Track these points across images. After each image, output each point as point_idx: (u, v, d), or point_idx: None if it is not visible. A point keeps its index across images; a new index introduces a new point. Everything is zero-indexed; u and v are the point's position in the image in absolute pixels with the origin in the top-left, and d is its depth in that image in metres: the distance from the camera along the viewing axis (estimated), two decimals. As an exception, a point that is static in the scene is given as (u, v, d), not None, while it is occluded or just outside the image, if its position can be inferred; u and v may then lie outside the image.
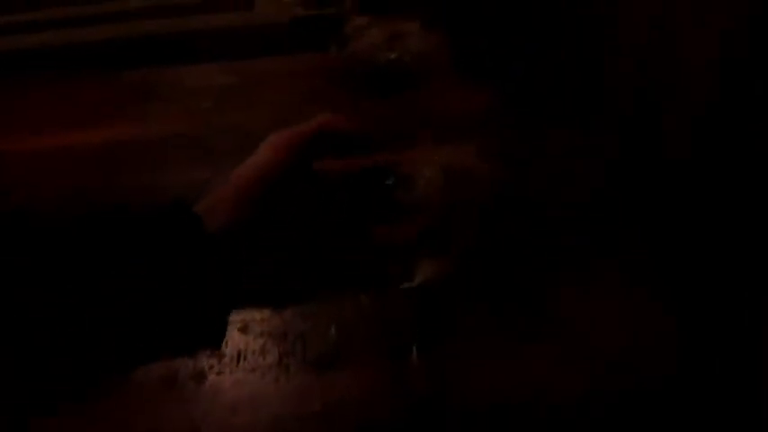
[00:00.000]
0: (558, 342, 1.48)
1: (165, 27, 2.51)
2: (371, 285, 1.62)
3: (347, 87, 2.27)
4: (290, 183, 1.06)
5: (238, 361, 1.53)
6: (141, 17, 2.55)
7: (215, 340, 0.99)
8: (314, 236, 1.14)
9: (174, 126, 2.08)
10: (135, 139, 2.04)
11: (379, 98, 2.23)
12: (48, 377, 0.84)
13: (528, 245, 1.65)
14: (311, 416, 1.42)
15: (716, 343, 1.42)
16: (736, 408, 1.32)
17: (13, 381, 0.81)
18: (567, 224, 1.65)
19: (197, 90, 2.24)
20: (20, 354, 0.79)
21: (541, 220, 1.68)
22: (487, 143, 1.94)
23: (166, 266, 0.89)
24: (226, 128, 2.06)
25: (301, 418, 1.42)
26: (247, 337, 1.57)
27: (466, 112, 2.15)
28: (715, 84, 1.43)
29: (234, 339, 1.58)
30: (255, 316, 1.60)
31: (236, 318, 1.59)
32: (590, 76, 1.87)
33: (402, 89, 2.27)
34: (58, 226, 0.89)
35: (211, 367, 1.49)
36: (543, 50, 2.07)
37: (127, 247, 0.88)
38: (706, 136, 1.46)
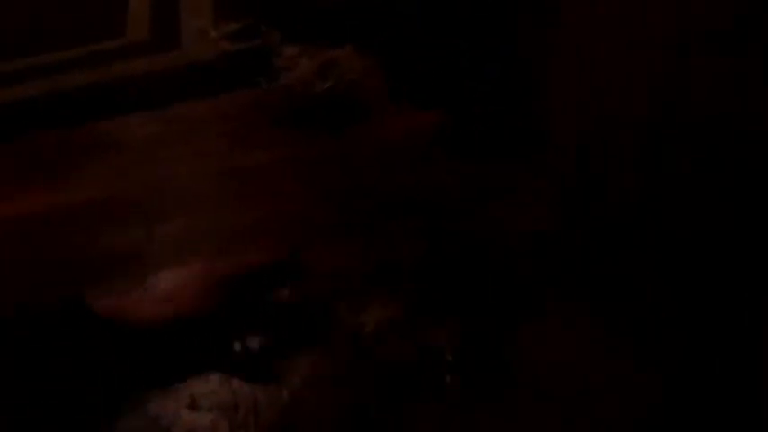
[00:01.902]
0: (519, 397, 1.42)
1: (87, 79, 2.39)
2: (320, 340, 1.56)
3: (282, 124, 2.18)
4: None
5: (188, 442, 1.45)
6: (60, 71, 2.43)
7: None
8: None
9: (100, 188, 1.98)
10: (57, 207, 1.93)
11: (317, 132, 2.15)
12: None
13: (483, 291, 1.59)
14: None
15: (682, 376, 1.39)
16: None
17: None
18: (518, 267, 1.60)
19: (123, 145, 2.14)
20: None
21: (493, 264, 1.63)
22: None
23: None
24: (155, 185, 1.97)
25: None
26: (197, 414, 1.49)
27: (407, 140, 2.08)
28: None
29: (182, 418, 1.49)
30: (203, 389, 1.51)
31: (183, 393, 1.51)
32: (530, 106, 1.82)
33: (340, 120, 2.20)
34: None
35: (161, 455, 1.41)
36: (481, 77, 2.01)
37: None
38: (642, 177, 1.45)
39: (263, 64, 2.36)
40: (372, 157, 2.00)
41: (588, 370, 1.42)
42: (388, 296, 1.62)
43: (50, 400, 0.90)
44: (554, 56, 1.77)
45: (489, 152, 1.93)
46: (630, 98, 1.48)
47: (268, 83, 2.32)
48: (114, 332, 0.87)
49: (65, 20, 2.77)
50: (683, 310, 1.41)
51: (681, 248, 1.42)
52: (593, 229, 1.63)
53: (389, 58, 2.29)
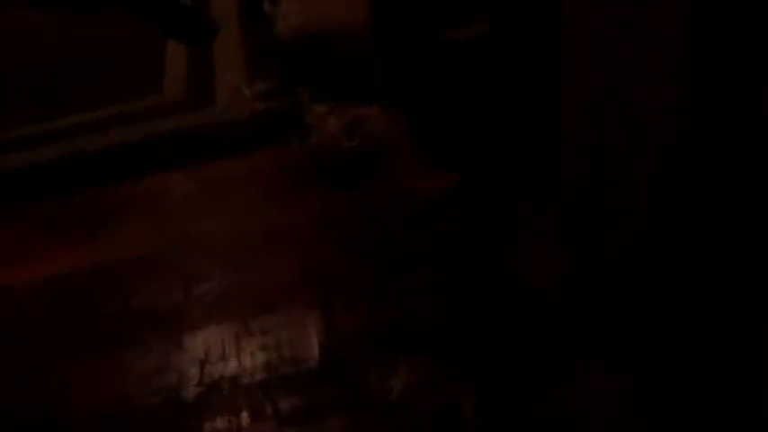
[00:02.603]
0: None
1: (125, 137, 2.50)
2: (349, 404, 1.63)
3: (312, 181, 2.27)
4: None
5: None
6: (97, 129, 2.53)
7: None
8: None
9: (137, 247, 2.08)
10: (93, 266, 2.03)
11: (345, 189, 2.23)
12: None
13: (507, 345, 1.66)
14: None
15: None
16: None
17: None
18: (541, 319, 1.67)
19: (160, 203, 2.24)
20: None
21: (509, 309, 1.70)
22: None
23: None
24: (191, 244, 2.06)
25: None
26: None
27: (428, 195, 2.16)
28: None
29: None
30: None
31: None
32: (543, 163, 1.89)
33: (366, 177, 2.27)
34: None
35: None
36: (497, 133, 2.09)
37: None
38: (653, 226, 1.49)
39: (294, 122, 2.45)
40: (396, 214, 2.08)
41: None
42: (412, 356, 1.68)
43: None
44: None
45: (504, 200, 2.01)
46: (644, 126, 1.49)
47: (299, 141, 2.41)
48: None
49: (103, 78, 2.90)
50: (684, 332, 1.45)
51: (689, 281, 1.44)
52: (602, 265, 1.68)
53: (411, 114, 2.37)
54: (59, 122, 2.64)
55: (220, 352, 1.74)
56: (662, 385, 1.51)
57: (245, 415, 1.60)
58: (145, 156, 2.49)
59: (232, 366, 1.70)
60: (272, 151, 2.44)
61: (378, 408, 1.58)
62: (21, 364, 1.85)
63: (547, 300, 1.75)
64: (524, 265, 1.85)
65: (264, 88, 2.63)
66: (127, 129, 2.57)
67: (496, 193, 2.06)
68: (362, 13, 2.49)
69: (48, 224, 2.25)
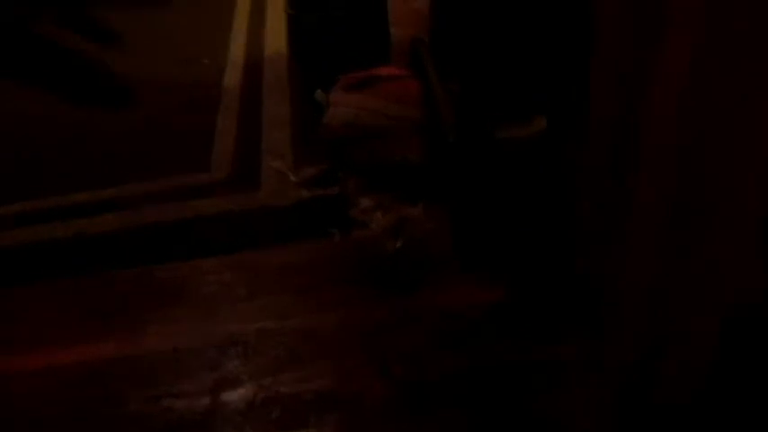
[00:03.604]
0: None
1: (166, 215, 2.46)
2: None
3: (350, 283, 2.19)
4: None
5: None
6: (140, 205, 2.50)
7: None
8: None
9: (166, 342, 2.01)
10: (120, 359, 1.97)
11: (384, 295, 2.15)
12: None
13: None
14: None
15: None
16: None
17: None
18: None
19: (194, 293, 2.18)
20: None
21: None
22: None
23: None
24: (224, 343, 1.99)
25: None
26: None
27: (472, 311, 2.06)
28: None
29: None
30: None
31: None
32: (594, 288, 1.79)
33: (408, 283, 2.19)
34: None
35: None
36: (547, 252, 2.00)
37: None
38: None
39: (338, 214, 2.39)
40: (436, 333, 1.99)
41: None
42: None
43: None
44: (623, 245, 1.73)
45: (549, 332, 1.91)
46: (711, 290, 1.42)
47: (341, 235, 2.35)
48: None
49: (151, 152, 2.89)
50: None
51: None
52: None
53: (458, 218, 2.29)
54: (96, 194, 2.61)
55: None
56: None
57: None
58: (182, 237, 2.45)
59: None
60: (313, 242, 2.38)
61: None
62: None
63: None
64: (559, 408, 1.75)
65: (311, 175, 2.58)
66: (166, 208, 2.53)
67: (538, 327, 1.95)
68: (415, 109, 2.45)
69: (74, 305, 2.18)
